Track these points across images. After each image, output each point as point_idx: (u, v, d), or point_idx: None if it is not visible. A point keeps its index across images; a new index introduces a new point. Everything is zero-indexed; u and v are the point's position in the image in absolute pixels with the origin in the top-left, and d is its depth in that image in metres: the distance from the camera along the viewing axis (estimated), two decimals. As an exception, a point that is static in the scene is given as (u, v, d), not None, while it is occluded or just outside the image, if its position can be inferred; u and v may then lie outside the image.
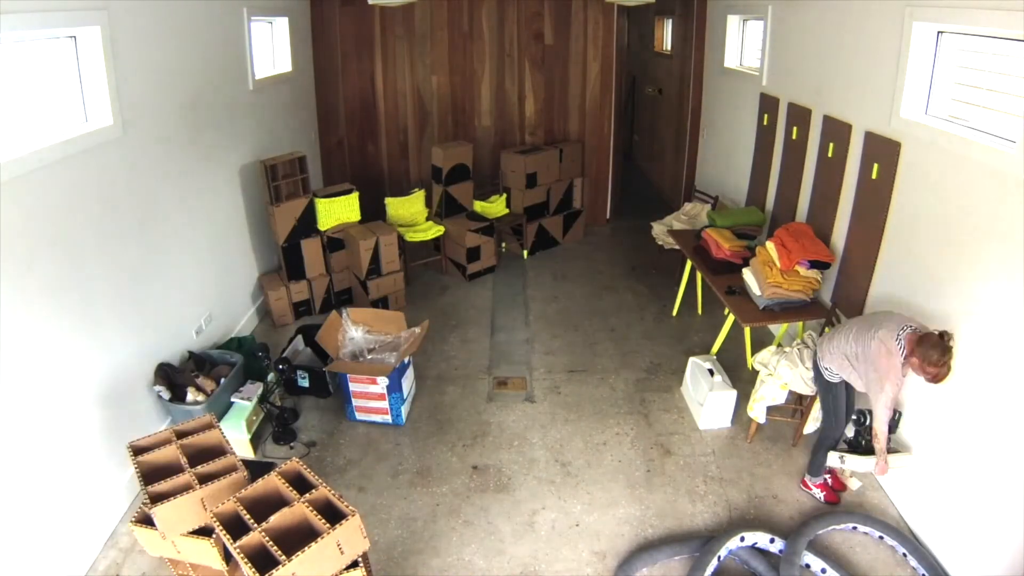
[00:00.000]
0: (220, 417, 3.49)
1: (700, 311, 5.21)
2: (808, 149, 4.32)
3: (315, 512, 2.19)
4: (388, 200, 5.74)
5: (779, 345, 3.81)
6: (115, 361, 3.20)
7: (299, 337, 4.33)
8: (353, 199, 5.22)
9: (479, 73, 6.63)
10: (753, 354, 4.42)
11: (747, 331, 4.42)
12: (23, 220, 2.60)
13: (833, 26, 3.96)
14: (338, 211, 5.15)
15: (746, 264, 4.21)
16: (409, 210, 5.83)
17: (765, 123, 4.98)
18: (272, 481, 2.31)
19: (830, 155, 3.96)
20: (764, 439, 3.75)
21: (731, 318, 4.11)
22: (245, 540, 2.09)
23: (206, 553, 2.35)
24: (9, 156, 2.53)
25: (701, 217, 5.49)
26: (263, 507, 2.22)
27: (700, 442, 3.75)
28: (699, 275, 4.82)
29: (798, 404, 3.68)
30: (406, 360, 3.88)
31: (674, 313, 5.19)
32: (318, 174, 6.66)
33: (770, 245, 3.97)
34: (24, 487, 2.61)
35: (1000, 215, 2.59)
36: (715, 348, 4.37)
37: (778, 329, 4.51)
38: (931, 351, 2.63)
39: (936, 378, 2.67)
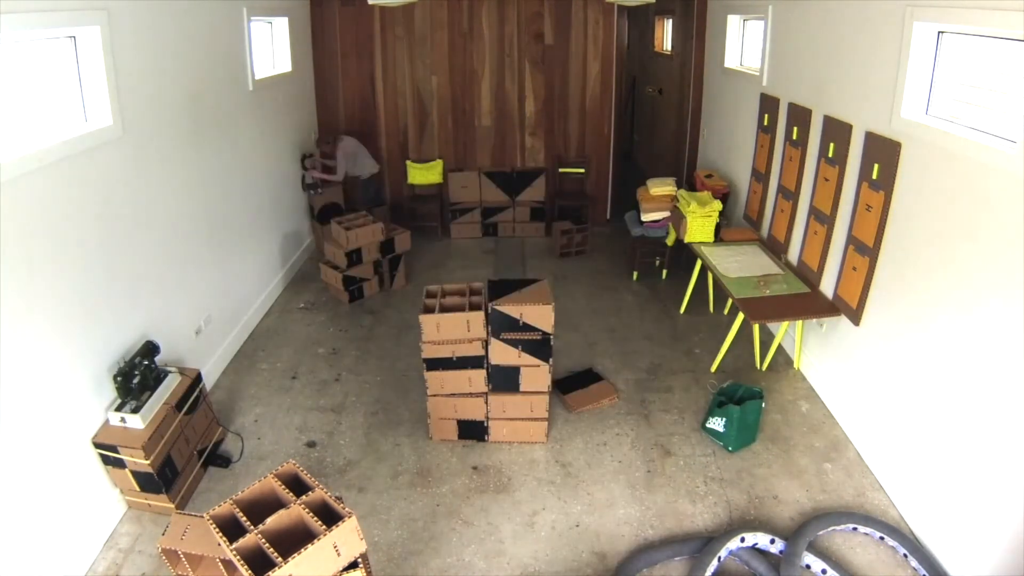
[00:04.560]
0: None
1: (712, 309, 5.23)
2: (808, 149, 4.31)
3: (311, 514, 2.19)
4: (409, 164, 6.79)
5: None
6: (114, 361, 3.19)
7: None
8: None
9: (479, 73, 6.63)
10: (761, 354, 4.44)
11: (756, 329, 4.43)
12: (23, 220, 2.60)
13: (834, 26, 3.95)
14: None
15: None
16: (427, 176, 6.80)
17: (765, 123, 4.98)
18: (269, 483, 2.30)
19: (830, 155, 3.96)
20: (764, 440, 3.75)
21: (740, 317, 4.12)
22: (241, 542, 2.08)
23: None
24: (9, 156, 2.53)
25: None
26: (259, 509, 2.22)
27: (700, 443, 3.74)
28: (709, 274, 4.85)
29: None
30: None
31: (682, 311, 5.20)
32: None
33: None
34: (23, 488, 2.61)
35: (1000, 215, 2.58)
36: (723, 348, 4.37)
37: (778, 328, 4.50)
38: None
39: None
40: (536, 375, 3.56)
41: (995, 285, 2.62)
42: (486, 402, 3.63)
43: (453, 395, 3.60)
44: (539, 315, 3.43)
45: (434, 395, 3.61)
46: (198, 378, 3.52)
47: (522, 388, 3.59)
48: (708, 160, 6.50)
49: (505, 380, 3.58)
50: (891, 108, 3.31)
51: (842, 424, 3.84)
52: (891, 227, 3.36)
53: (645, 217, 5.52)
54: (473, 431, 3.72)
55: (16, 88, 2.70)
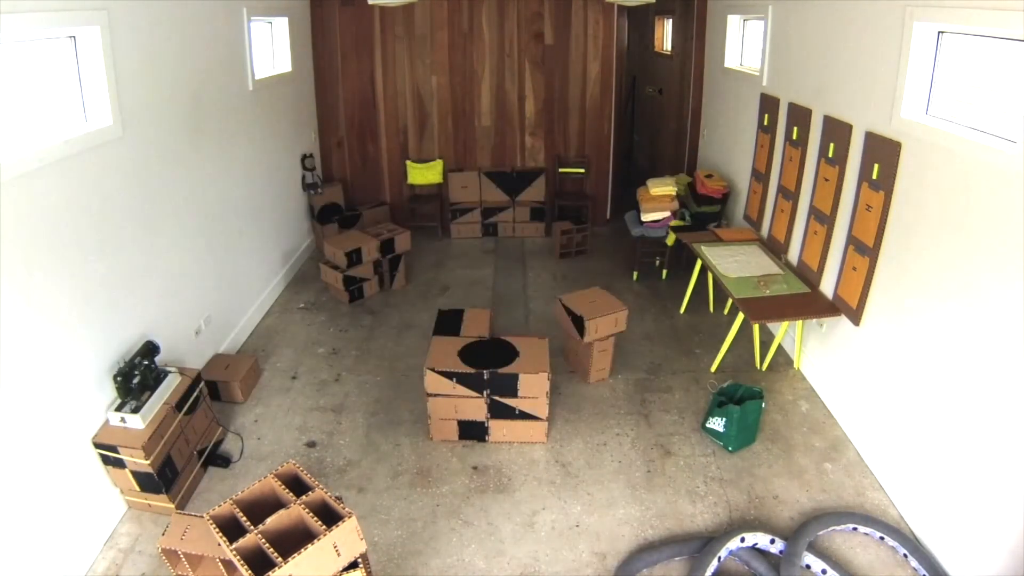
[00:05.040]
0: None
1: (712, 309, 5.23)
2: (808, 149, 4.31)
3: (311, 514, 2.19)
4: (409, 164, 6.75)
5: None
6: (114, 361, 3.19)
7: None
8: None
9: (479, 73, 6.63)
10: (761, 354, 4.44)
11: (756, 329, 4.43)
12: (23, 220, 2.60)
13: (834, 26, 3.95)
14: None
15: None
16: (427, 176, 6.77)
17: (765, 123, 4.98)
18: (269, 483, 2.31)
19: (830, 155, 3.96)
20: (764, 440, 3.75)
21: (740, 317, 4.12)
22: (241, 542, 2.09)
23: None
24: (9, 156, 2.53)
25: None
26: (260, 509, 2.22)
27: (700, 443, 3.74)
28: (709, 274, 4.86)
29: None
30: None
31: (682, 311, 5.20)
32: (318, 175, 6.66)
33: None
34: (24, 488, 2.61)
35: (1000, 215, 2.58)
36: (723, 348, 4.37)
37: (778, 328, 4.50)
38: None
39: None
40: (534, 381, 3.56)
41: (995, 285, 2.62)
42: (486, 403, 3.63)
43: (452, 396, 3.61)
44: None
45: (433, 395, 3.62)
46: (198, 378, 3.52)
47: (520, 394, 3.60)
48: (708, 160, 6.50)
49: (502, 387, 3.58)
50: (891, 108, 3.31)
51: (842, 424, 3.84)
52: (891, 227, 3.36)
53: (645, 217, 5.53)
54: (473, 431, 3.72)
55: (16, 88, 2.70)
